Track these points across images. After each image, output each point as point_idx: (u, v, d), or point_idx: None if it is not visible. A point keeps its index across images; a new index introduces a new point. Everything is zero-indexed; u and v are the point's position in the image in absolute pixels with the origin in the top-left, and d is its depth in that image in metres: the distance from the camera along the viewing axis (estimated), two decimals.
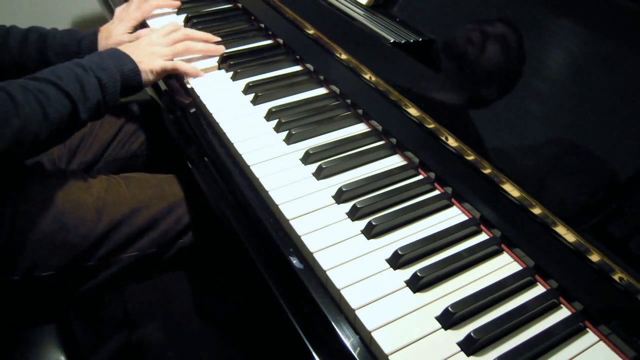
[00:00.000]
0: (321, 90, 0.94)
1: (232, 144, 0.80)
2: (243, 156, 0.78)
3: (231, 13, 1.18)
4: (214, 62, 1.01)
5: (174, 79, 0.99)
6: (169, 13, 1.19)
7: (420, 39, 0.81)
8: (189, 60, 0.99)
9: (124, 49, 0.90)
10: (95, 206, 0.87)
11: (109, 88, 0.83)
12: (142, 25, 1.16)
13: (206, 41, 1.02)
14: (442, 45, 0.79)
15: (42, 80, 0.76)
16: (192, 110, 0.92)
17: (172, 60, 0.95)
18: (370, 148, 0.80)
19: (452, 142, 0.72)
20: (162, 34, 0.97)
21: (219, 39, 1.04)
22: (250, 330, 1.27)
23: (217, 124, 0.85)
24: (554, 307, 0.60)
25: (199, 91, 0.92)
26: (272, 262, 0.69)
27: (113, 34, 1.03)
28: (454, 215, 0.71)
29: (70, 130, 0.81)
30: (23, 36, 0.98)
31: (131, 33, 1.06)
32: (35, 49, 0.98)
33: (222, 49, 1.01)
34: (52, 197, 0.85)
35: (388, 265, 0.63)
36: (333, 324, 0.60)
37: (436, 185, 0.75)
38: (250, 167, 0.76)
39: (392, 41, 0.82)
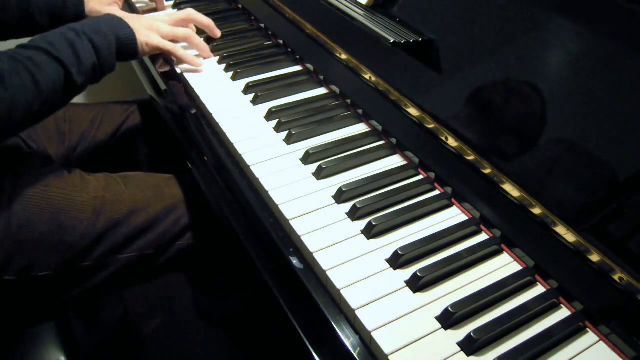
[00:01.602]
0: (321, 90, 0.94)
1: (232, 144, 0.80)
2: (243, 156, 0.78)
3: (231, 13, 1.18)
4: (214, 62, 1.01)
5: (174, 80, 0.99)
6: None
7: (420, 39, 0.81)
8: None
9: (123, 16, 0.90)
10: (92, 206, 0.87)
11: (103, 51, 0.82)
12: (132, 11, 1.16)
13: (208, 26, 1.03)
14: (442, 46, 0.79)
15: (32, 48, 0.76)
16: (192, 110, 0.92)
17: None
18: (370, 148, 0.80)
19: (452, 142, 0.72)
20: (167, 12, 0.97)
21: (219, 32, 1.05)
22: (250, 330, 1.27)
23: (217, 124, 0.85)
24: (554, 307, 0.60)
25: (198, 91, 0.92)
26: (272, 262, 0.69)
27: None
28: (454, 215, 0.71)
29: (68, 95, 0.80)
30: None
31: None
32: (17, 6, 0.97)
33: (209, 53, 1.01)
34: (49, 196, 0.84)
35: (388, 265, 0.63)
36: (333, 324, 0.60)
37: (436, 185, 0.75)
38: (250, 167, 0.76)
39: (392, 41, 0.82)
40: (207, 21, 1.03)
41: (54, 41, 0.77)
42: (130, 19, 0.90)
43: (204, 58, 1.00)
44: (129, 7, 1.19)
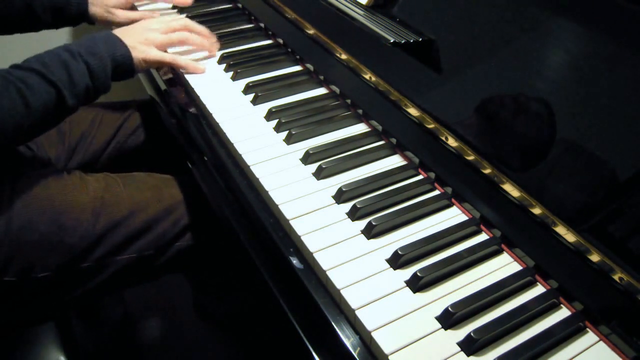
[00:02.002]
0: (321, 90, 0.94)
1: (232, 144, 0.80)
2: (243, 156, 0.78)
3: (231, 13, 1.18)
4: (214, 62, 1.01)
5: (174, 80, 0.99)
6: (168, 11, 1.19)
7: (420, 39, 0.81)
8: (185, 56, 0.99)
9: (118, 32, 0.89)
10: (92, 207, 0.87)
11: (98, 73, 0.82)
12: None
13: (204, 35, 1.01)
14: (442, 46, 0.79)
15: (25, 69, 0.76)
16: (192, 110, 0.92)
17: (167, 50, 0.94)
18: (370, 148, 0.80)
19: (452, 142, 0.72)
20: (161, 20, 0.96)
21: (215, 38, 1.03)
22: (250, 330, 1.27)
23: (217, 124, 0.85)
24: (554, 307, 0.60)
25: (198, 91, 0.92)
26: (272, 262, 0.69)
27: None
28: (454, 215, 0.71)
29: (59, 116, 0.80)
30: None
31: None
32: (20, 0, 0.96)
33: (216, 47, 1.00)
34: (49, 197, 0.84)
35: (388, 265, 0.63)
36: (333, 324, 0.60)
37: (436, 185, 0.75)
38: (250, 167, 0.76)
39: (392, 41, 0.82)
40: (204, 30, 1.01)
41: (48, 62, 0.77)
42: (125, 34, 0.89)
43: (210, 55, 0.99)
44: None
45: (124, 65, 0.87)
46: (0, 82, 0.72)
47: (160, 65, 0.93)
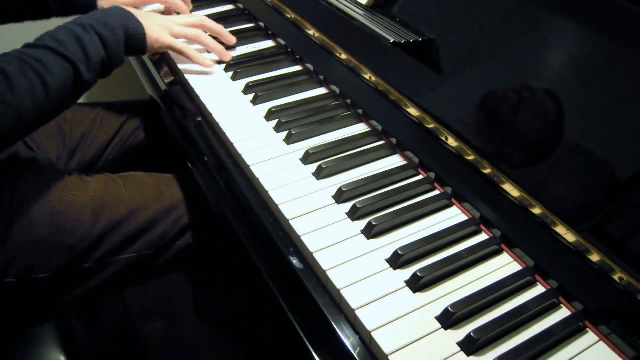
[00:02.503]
0: (321, 90, 0.94)
1: (232, 144, 0.80)
2: (243, 156, 0.78)
3: (231, 13, 1.18)
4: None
5: (174, 80, 0.99)
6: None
7: (420, 39, 0.81)
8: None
9: (136, 12, 0.89)
10: (92, 207, 0.86)
11: (111, 45, 0.82)
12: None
13: (220, 34, 1.02)
14: (443, 46, 0.79)
15: (39, 47, 0.75)
16: (192, 110, 0.92)
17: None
18: (370, 148, 0.80)
19: (452, 142, 0.72)
20: (178, 15, 0.97)
21: (234, 39, 1.03)
22: (250, 330, 1.27)
23: (217, 124, 0.85)
24: (554, 307, 0.61)
25: (198, 91, 0.92)
26: (272, 262, 0.69)
27: None
28: (454, 215, 0.71)
29: (78, 92, 0.80)
30: None
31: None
32: None
33: (229, 55, 0.99)
34: (49, 197, 0.84)
35: (388, 265, 0.63)
36: (333, 324, 0.60)
37: (436, 185, 0.75)
38: (250, 167, 0.76)
39: (392, 41, 0.82)
40: (220, 29, 1.01)
41: (61, 38, 0.77)
42: (142, 15, 0.90)
43: (221, 60, 0.99)
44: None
45: (136, 39, 0.86)
46: (16, 63, 0.71)
47: (171, 49, 0.93)
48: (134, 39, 0.86)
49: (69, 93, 0.77)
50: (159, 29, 0.91)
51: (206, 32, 1.00)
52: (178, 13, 1.10)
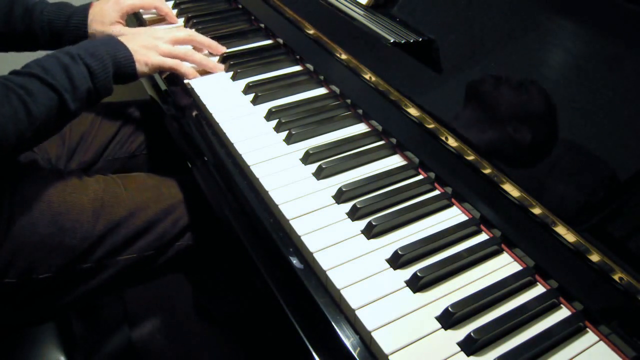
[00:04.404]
0: (321, 90, 0.94)
1: (232, 144, 0.80)
2: (243, 156, 0.78)
3: (231, 13, 1.18)
4: (213, 62, 1.00)
5: (175, 80, 0.99)
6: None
7: (420, 39, 0.81)
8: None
9: (121, 37, 0.89)
10: (92, 207, 0.86)
11: (99, 76, 0.81)
12: (139, 22, 1.16)
13: (209, 47, 1.01)
14: (442, 46, 0.79)
15: (25, 74, 0.75)
16: (192, 110, 0.92)
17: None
18: (370, 148, 0.80)
19: (452, 142, 0.72)
20: (165, 29, 0.96)
21: (224, 49, 1.02)
22: (250, 330, 1.27)
23: (217, 124, 0.85)
24: (554, 307, 0.60)
25: (198, 91, 0.92)
26: (272, 262, 0.69)
27: (106, 15, 1.01)
28: (454, 215, 0.71)
29: (62, 121, 0.80)
30: (8, 6, 0.96)
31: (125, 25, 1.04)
32: (20, 21, 0.96)
33: (220, 67, 0.98)
34: (49, 198, 0.84)
35: (388, 265, 0.63)
36: (333, 324, 0.60)
37: (436, 185, 0.75)
38: (250, 167, 0.76)
39: (392, 41, 0.81)
40: (208, 42, 1.01)
41: (48, 66, 0.76)
42: (128, 37, 0.89)
43: (212, 71, 0.98)
44: (137, 19, 1.18)
45: (126, 67, 0.86)
46: (1, 90, 0.71)
47: (162, 69, 0.93)
48: (123, 67, 0.86)
49: (53, 121, 0.77)
50: (146, 51, 0.90)
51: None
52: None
